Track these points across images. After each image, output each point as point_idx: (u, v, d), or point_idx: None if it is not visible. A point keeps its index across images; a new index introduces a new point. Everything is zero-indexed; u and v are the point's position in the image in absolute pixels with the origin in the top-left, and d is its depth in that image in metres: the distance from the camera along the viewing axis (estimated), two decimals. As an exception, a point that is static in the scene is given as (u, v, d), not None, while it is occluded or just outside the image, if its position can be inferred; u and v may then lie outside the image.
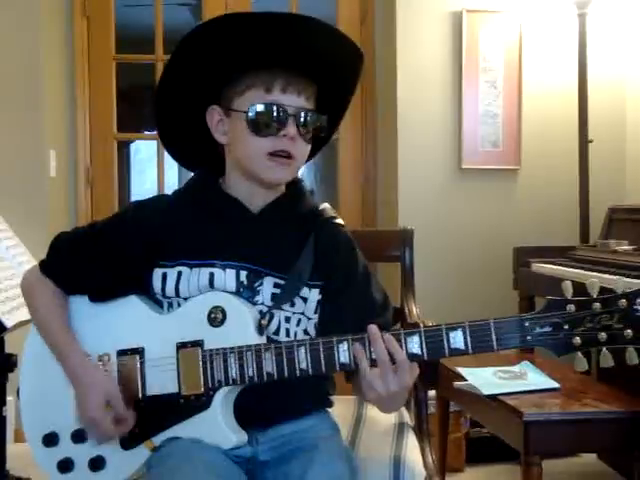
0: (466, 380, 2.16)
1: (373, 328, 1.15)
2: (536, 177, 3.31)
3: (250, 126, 1.26)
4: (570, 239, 2.96)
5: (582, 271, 2.37)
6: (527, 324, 1.12)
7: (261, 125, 1.25)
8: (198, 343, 1.23)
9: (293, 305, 1.29)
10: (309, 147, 1.32)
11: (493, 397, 2.03)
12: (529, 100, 3.28)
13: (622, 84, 3.34)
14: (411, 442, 1.51)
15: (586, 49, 2.97)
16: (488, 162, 3.28)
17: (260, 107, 1.25)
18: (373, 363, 1.15)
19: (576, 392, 2.07)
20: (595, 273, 2.25)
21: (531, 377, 2.18)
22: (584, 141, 2.97)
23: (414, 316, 1.78)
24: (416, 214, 3.18)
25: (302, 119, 1.27)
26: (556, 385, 2.10)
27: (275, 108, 1.25)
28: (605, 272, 2.23)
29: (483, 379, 2.15)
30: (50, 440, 1.32)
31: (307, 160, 1.36)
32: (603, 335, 1.10)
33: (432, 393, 2.40)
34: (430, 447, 1.67)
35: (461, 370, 2.23)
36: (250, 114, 1.25)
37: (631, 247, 2.46)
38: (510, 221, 3.28)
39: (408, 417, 1.69)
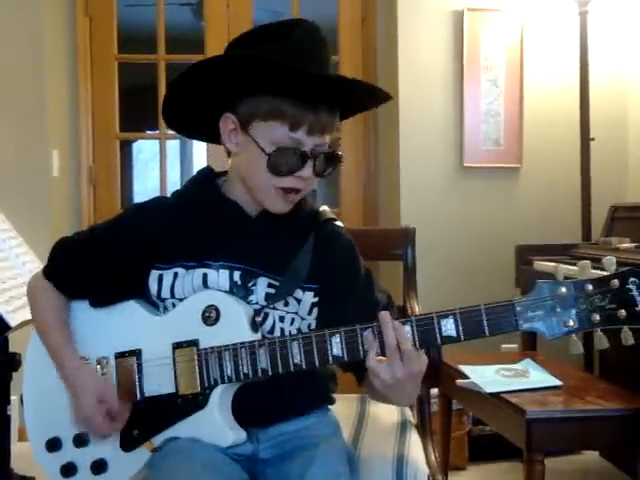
0: (468, 378, 2.17)
1: (384, 314, 1.14)
2: (538, 175, 3.31)
3: (269, 164, 1.23)
4: (572, 237, 2.95)
5: (584, 269, 2.37)
6: (519, 308, 1.10)
7: (280, 166, 1.23)
8: (193, 342, 1.24)
9: (287, 305, 1.29)
10: (317, 179, 1.29)
11: (496, 395, 2.03)
12: (531, 98, 3.28)
13: (624, 82, 3.34)
14: (414, 440, 1.51)
15: (587, 47, 2.97)
16: (490, 160, 3.28)
17: (283, 150, 1.22)
18: (381, 352, 1.14)
19: (578, 390, 2.07)
20: (597, 271, 2.25)
21: (533, 375, 2.18)
22: (586, 139, 2.96)
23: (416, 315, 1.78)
24: (418, 213, 3.19)
25: (320, 161, 1.25)
26: (558, 383, 2.10)
27: (298, 152, 1.22)
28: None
29: (485, 377, 2.15)
30: (53, 445, 1.33)
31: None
32: (596, 316, 1.07)
33: (434, 391, 2.41)
34: (433, 445, 1.68)
35: (463, 368, 2.23)
36: (272, 154, 1.22)
37: (633, 245, 2.46)
38: (512, 219, 3.28)
39: (411, 415, 1.69)
